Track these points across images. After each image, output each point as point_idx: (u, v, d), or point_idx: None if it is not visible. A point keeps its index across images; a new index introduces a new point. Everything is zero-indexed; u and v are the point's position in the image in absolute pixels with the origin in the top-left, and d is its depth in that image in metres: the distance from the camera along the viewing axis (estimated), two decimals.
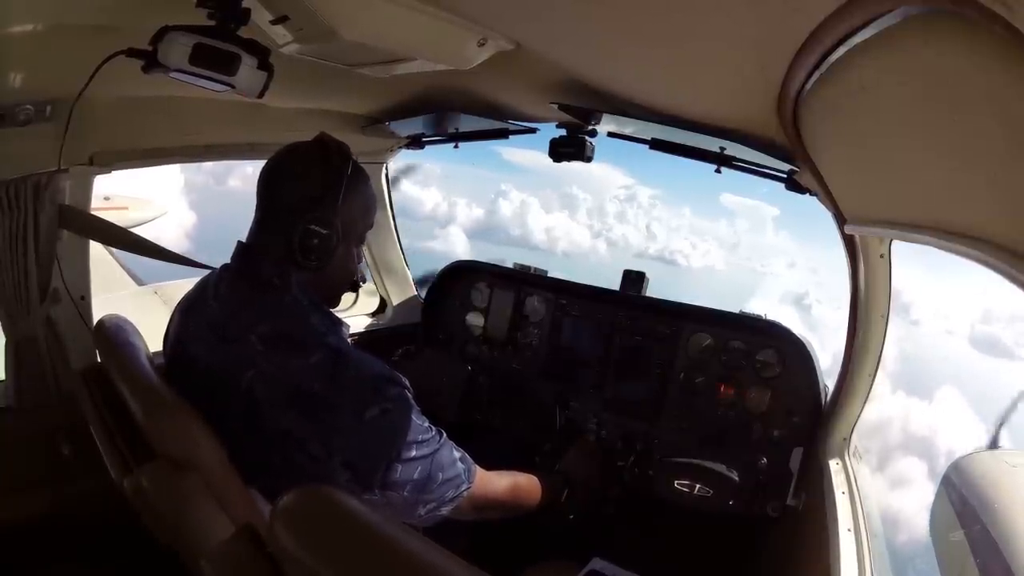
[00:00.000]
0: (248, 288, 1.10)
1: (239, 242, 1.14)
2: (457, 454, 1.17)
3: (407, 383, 1.10)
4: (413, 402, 1.10)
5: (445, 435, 1.16)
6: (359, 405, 1.02)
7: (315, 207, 1.08)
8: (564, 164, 1.92)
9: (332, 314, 1.16)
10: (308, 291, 1.11)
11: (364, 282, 1.28)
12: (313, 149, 1.12)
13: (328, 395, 1.01)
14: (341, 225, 1.10)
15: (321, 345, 1.05)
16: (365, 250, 2.48)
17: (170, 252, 1.68)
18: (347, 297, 2.47)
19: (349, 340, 1.13)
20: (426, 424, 1.11)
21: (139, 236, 1.69)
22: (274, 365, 1.03)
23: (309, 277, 1.11)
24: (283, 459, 1.01)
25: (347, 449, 1.02)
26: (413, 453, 1.07)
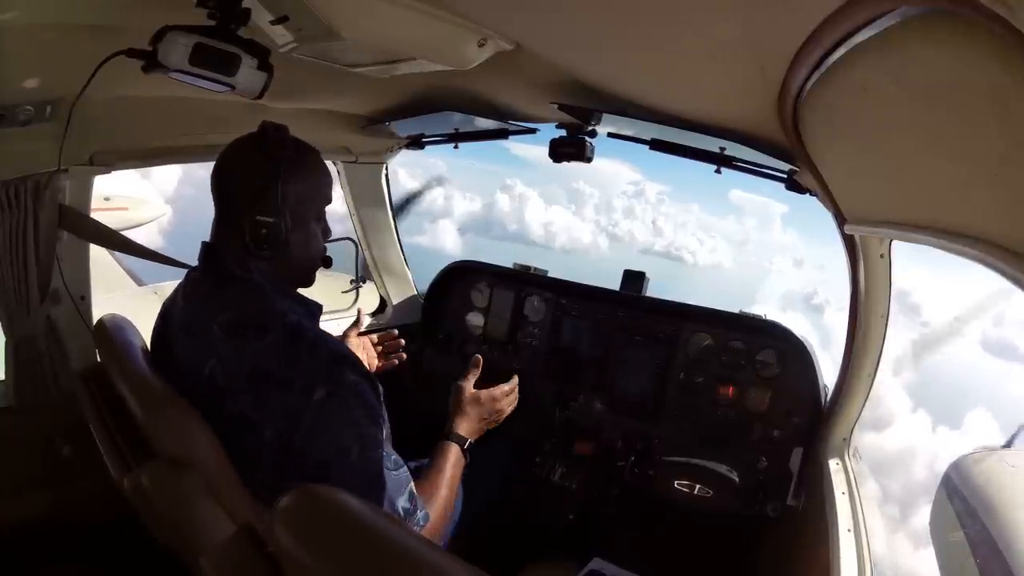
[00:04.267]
0: (212, 284, 1.13)
1: (203, 243, 1.17)
2: (406, 492, 1.09)
3: (369, 374, 1.07)
4: (373, 400, 1.06)
5: (405, 468, 1.09)
6: (310, 381, 1.01)
7: (259, 198, 1.09)
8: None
9: (302, 296, 1.17)
10: (271, 277, 1.13)
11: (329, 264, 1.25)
12: (249, 140, 1.13)
13: (281, 372, 1.01)
14: (289, 211, 1.11)
15: (280, 324, 1.06)
16: (365, 250, 2.50)
17: (167, 256, 1.67)
18: (347, 297, 2.49)
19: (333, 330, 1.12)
20: (382, 435, 1.06)
21: (135, 241, 1.70)
22: (232, 350, 1.04)
23: (271, 264, 1.13)
24: (243, 447, 1.01)
25: (295, 434, 0.99)
26: (353, 457, 1.01)
